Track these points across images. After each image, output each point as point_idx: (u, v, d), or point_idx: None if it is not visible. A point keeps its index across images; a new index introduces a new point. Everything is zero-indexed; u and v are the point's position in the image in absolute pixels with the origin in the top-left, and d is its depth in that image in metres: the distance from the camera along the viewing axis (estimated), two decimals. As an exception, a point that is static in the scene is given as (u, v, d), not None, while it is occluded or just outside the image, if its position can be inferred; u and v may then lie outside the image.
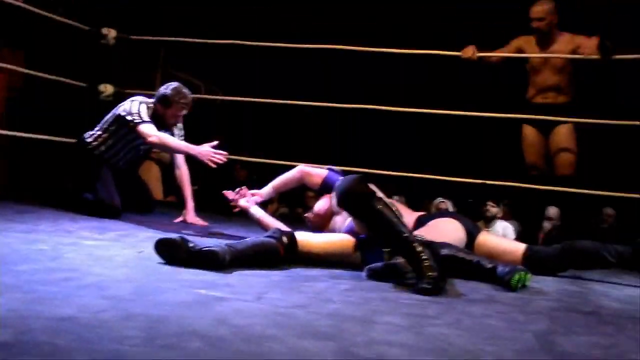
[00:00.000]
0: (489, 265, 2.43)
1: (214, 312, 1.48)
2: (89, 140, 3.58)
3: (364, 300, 1.83)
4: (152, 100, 3.53)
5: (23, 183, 4.53)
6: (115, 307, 1.40)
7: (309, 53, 4.77)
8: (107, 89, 4.62)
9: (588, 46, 3.91)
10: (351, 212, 2.40)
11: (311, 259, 2.38)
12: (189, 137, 3.78)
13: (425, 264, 2.07)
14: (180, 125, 3.68)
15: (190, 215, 3.60)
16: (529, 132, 4.30)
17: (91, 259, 2.04)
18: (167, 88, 3.50)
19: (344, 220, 2.67)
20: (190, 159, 3.79)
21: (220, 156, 3.13)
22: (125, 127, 3.47)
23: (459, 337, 1.48)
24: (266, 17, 6.32)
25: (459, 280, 2.35)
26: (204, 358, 1.11)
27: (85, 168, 3.54)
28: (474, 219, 4.17)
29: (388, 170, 4.24)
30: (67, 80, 4.51)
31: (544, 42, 4.15)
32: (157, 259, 2.09)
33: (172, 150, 3.51)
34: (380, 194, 2.55)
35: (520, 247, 2.85)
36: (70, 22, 4.49)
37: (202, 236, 3.02)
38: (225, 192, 3.08)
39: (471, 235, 2.86)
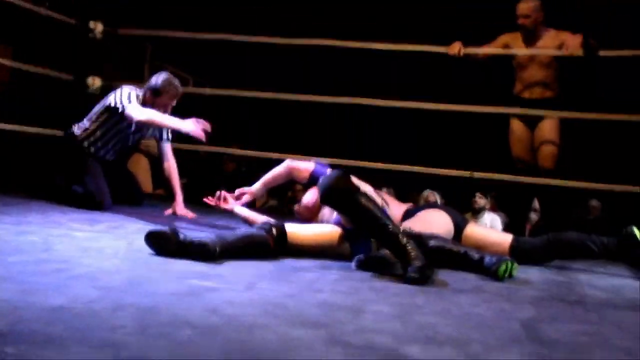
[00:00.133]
0: (477, 256, 2.46)
1: (205, 302, 1.49)
2: (77, 132, 3.58)
3: (353, 290, 1.85)
4: (141, 90, 3.54)
5: (11, 176, 4.51)
6: (107, 298, 1.41)
7: (297, 48, 4.77)
8: (95, 82, 4.60)
9: (572, 44, 3.96)
10: (335, 208, 2.42)
11: (300, 250, 2.40)
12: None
13: (411, 255, 2.10)
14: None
15: (180, 207, 3.60)
16: (516, 126, 4.35)
17: (82, 250, 2.04)
18: (157, 77, 3.51)
19: (332, 211, 2.69)
20: (178, 153, 3.80)
21: (206, 125, 3.13)
22: (115, 117, 3.47)
23: (447, 326, 1.51)
24: (255, 11, 6.31)
25: (447, 270, 2.38)
26: (196, 347, 1.13)
27: (74, 161, 3.54)
28: (462, 210, 4.21)
29: (377, 163, 4.26)
30: (55, 74, 4.49)
31: (530, 38, 4.20)
32: (148, 250, 2.10)
33: (160, 125, 3.44)
34: (365, 187, 2.58)
35: (507, 238, 2.90)
36: (57, 15, 4.47)
37: (191, 228, 3.03)
38: (205, 199, 3.09)
39: (459, 227, 2.89)
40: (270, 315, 1.43)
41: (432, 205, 3.80)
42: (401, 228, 2.58)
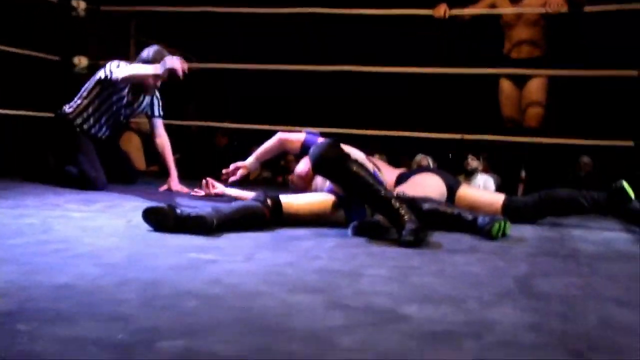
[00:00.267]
0: (470, 217, 2.50)
1: (206, 273, 1.53)
2: (69, 111, 3.58)
3: (350, 256, 1.89)
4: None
5: (4, 161, 4.50)
6: (110, 274, 1.45)
7: (284, 17, 4.74)
8: (82, 61, 4.57)
9: (556, 0, 3.95)
10: (327, 177, 2.44)
11: (296, 220, 2.43)
12: (167, 106, 3.79)
13: (405, 218, 2.14)
14: (157, 95, 3.69)
15: (174, 183, 3.63)
16: (505, 85, 4.37)
17: (81, 230, 2.07)
18: (149, 50, 3.50)
19: (325, 180, 2.72)
20: (168, 129, 3.80)
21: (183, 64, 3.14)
22: (107, 90, 3.49)
23: (443, 285, 1.55)
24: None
25: (441, 232, 2.43)
26: (201, 316, 1.16)
27: (66, 140, 3.55)
28: (455, 173, 4.25)
29: (368, 130, 4.28)
30: (40, 55, 4.45)
31: None
32: (146, 227, 2.13)
33: (143, 76, 3.39)
34: (357, 154, 2.60)
35: (500, 198, 2.94)
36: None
37: (187, 203, 3.06)
38: (192, 194, 3.26)
39: (452, 189, 2.93)
40: (271, 283, 1.46)
41: (425, 169, 3.83)
42: (395, 192, 2.62)
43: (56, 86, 4.47)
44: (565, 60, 4.31)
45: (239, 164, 3.09)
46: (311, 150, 2.37)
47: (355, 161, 2.32)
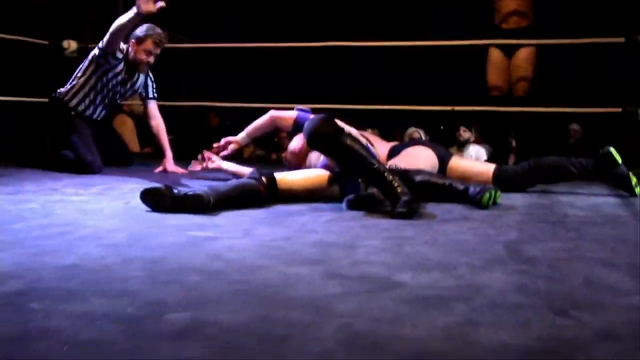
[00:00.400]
0: (461, 187, 2.55)
1: (207, 249, 1.58)
2: (63, 92, 3.60)
3: (346, 229, 1.95)
4: (126, 44, 3.56)
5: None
6: (114, 253, 1.50)
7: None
8: (71, 45, 4.58)
9: None
10: (322, 151, 2.48)
11: (291, 196, 2.48)
12: (159, 87, 3.82)
13: (398, 190, 2.19)
14: (151, 76, 3.72)
15: (170, 164, 3.66)
16: (495, 54, 4.42)
17: (81, 213, 2.11)
18: (141, 27, 3.53)
19: (318, 156, 2.77)
20: (160, 110, 3.82)
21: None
22: (101, 67, 3.51)
23: (435, 253, 1.61)
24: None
25: (434, 204, 2.48)
26: (204, 289, 1.22)
27: (62, 125, 3.57)
28: (448, 145, 4.30)
29: (359, 105, 4.32)
30: (29, 40, 4.45)
31: None
32: (144, 207, 2.17)
33: (127, 24, 3.32)
34: (349, 129, 2.65)
35: (490, 168, 3.00)
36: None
37: (184, 183, 3.10)
38: (189, 168, 3.26)
39: (443, 161, 2.99)
40: (269, 257, 1.52)
41: (417, 141, 3.88)
42: (387, 166, 2.67)
43: (47, 71, 4.48)
44: (553, 28, 4.34)
45: (230, 138, 3.14)
46: (306, 124, 2.41)
47: (349, 135, 2.37)
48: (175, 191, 2.18)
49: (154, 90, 3.76)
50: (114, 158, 3.78)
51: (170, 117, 3.65)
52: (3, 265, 1.34)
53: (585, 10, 5.44)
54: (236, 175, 3.02)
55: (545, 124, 4.51)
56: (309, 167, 2.77)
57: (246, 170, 3.00)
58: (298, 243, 1.70)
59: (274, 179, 2.44)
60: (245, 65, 6.67)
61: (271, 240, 1.74)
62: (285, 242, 1.71)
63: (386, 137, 4.54)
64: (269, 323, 1.03)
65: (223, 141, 3.12)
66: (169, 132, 4.08)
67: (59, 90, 3.64)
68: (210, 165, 3.17)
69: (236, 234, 1.82)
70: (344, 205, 2.36)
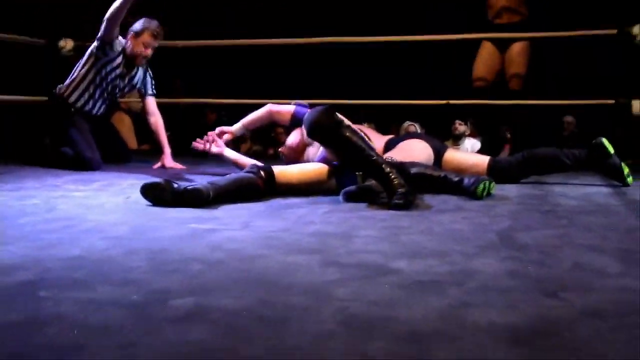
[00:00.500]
0: (456, 179, 2.60)
1: (207, 241, 1.62)
2: (64, 87, 3.64)
3: (343, 220, 1.99)
4: (124, 39, 3.61)
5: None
6: (118, 246, 1.54)
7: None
8: (68, 43, 4.60)
9: None
10: (321, 142, 2.52)
11: (290, 189, 2.52)
12: (157, 83, 3.85)
13: (395, 182, 2.24)
14: (150, 72, 3.77)
15: (168, 160, 3.70)
16: (487, 47, 4.47)
17: (83, 207, 2.15)
18: (138, 22, 3.59)
19: (316, 150, 2.81)
20: (162, 108, 3.86)
21: None
22: (100, 60, 3.56)
23: (430, 242, 1.66)
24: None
25: (429, 195, 2.53)
26: (207, 277, 1.26)
27: (62, 122, 3.60)
28: (444, 138, 4.35)
29: (356, 100, 4.36)
30: (26, 39, 4.48)
31: None
32: (145, 202, 2.21)
33: (121, 7, 3.35)
34: (348, 122, 2.69)
35: (485, 160, 3.05)
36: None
37: (182, 179, 3.14)
38: (194, 144, 3.14)
39: (438, 153, 3.03)
40: (269, 247, 1.56)
41: (412, 135, 3.92)
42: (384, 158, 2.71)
43: (47, 70, 4.51)
44: (545, 23, 4.39)
45: (225, 128, 3.16)
46: (306, 115, 2.45)
47: (349, 127, 2.41)
48: (175, 185, 2.22)
49: (153, 87, 3.80)
50: (112, 155, 3.82)
51: (167, 114, 3.68)
52: (11, 257, 1.39)
53: (577, 3, 5.49)
54: (237, 165, 3.05)
55: (540, 116, 4.56)
56: (307, 161, 2.81)
57: (247, 160, 3.04)
58: (297, 234, 1.75)
59: (272, 172, 2.48)
60: (241, 60, 6.71)
61: (270, 231, 1.78)
62: (284, 233, 1.75)
63: (383, 131, 4.58)
64: (270, 307, 1.07)
65: (218, 130, 3.15)
66: (166, 129, 4.12)
67: (59, 86, 3.68)
68: (214, 149, 3.10)
69: (236, 226, 1.86)
70: (340, 197, 2.41)
